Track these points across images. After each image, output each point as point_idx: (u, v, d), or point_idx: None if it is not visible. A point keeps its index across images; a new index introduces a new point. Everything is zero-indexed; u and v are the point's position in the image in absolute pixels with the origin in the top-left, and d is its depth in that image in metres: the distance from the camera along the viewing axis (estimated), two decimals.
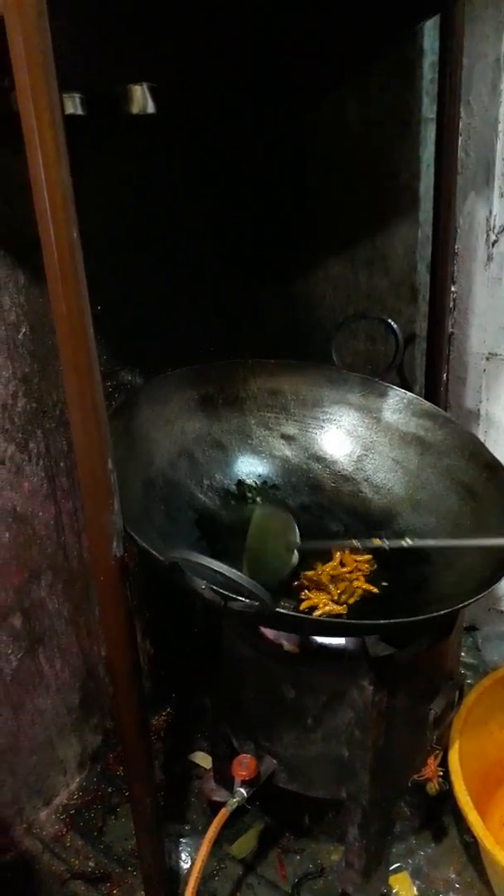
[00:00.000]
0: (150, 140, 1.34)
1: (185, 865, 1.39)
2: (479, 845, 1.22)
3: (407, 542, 1.12)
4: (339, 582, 1.20)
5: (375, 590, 1.21)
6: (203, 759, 1.60)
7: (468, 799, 1.22)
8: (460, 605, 1.00)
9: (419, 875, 1.36)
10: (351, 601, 1.18)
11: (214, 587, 0.92)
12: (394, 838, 1.42)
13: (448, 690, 1.19)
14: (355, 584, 1.20)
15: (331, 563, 1.25)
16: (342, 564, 1.25)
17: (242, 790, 1.16)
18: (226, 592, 0.91)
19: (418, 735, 1.17)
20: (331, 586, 1.20)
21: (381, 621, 0.96)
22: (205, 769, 1.57)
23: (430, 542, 1.22)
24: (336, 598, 1.18)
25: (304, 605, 1.16)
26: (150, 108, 1.18)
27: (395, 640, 1.07)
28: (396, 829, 1.44)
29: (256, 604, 0.87)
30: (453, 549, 1.22)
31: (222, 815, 1.15)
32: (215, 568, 0.82)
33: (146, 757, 1.13)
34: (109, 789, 1.58)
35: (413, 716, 1.15)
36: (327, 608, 1.14)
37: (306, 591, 1.20)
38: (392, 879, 1.35)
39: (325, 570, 1.22)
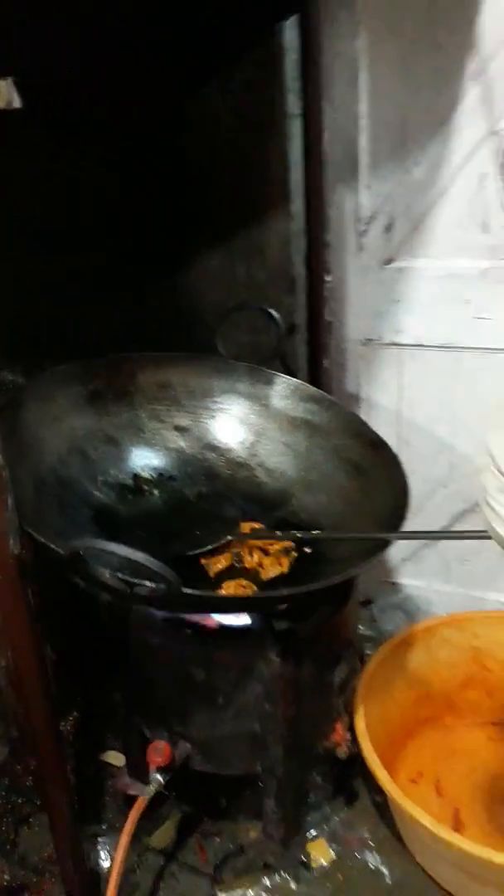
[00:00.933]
0: (24, 133, 1.31)
1: (106, 864, 1.38)
2: (389, 799, 1.29)
3: (296, 534, 1.18)
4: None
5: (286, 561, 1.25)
6: (115, 758, 1.58)
7: (376, 757, 1.28)
8: (349, 573, 1.05)
9: (335, 838, 1.42)
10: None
11: (119, 575, 0.93)
12: (309, 807, 1.47)
13: (349, 658, 1.25)
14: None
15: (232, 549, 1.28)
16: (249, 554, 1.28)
17: (159, 777, 1.17)
18: (131, 579, 0.92)
19: (325, 702, 1.22)
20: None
21: (282, 592, 1.00)
22: (117, 767, 1.56)
23: (318, 534, 1.27)
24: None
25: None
26: (17, 103, 1.16)
27: (298, 613, 1.12)
28: (311, 798, 1.49)
29: (163, 586, 0.89)
30: (346, 526, 1.28)
31: (139, 805, 1.15)
32: (120, 553, 0.83)
33: (59, 759, 1.12)
34: (20, 800, 1.53)
35: (319, 684, 1.20)
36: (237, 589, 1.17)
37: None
38: (310, 846, 1.40)
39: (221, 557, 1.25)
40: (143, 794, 1.15)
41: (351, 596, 1.24)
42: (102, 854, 1.40)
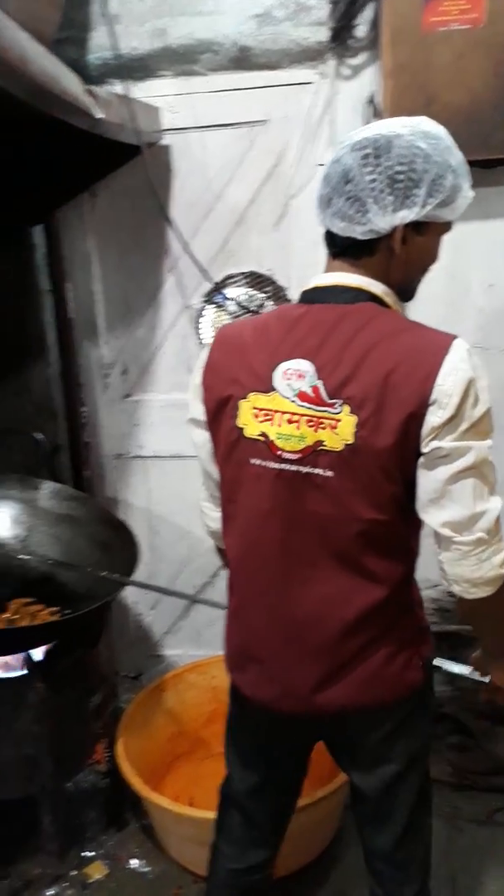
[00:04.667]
0: None
1: None
2: (143, 802, 1.63)
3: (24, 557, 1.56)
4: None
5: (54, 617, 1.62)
6: None
7: (131, 769, 1.63)
8: (95, 605, 1.47)
9: (109, 857, 1.72)
10: None
11: None
12: (86, 840, 1.75)
13: (104, 688, 1.62)
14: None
15: (5, 615, 1.63)
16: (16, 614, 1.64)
17: None
18: None
19: (85, 723, 1.57)
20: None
21: (42, 622, 1.38)
22: None
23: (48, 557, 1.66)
24: None
25: None
26: None
27: (57, 653, 1.49)
28: (87, 833, 1.77)
29: None
30: (93, 587, 1.69)
31: None
32: None
33: None
34: None
35: (78, 709, 1.55)
36: None
37: None
38: (88, 869, 1.68)
39: (2, 618, 1.60)
40: None
41: (100, 639, 1.63)
42: None
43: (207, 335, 2.00)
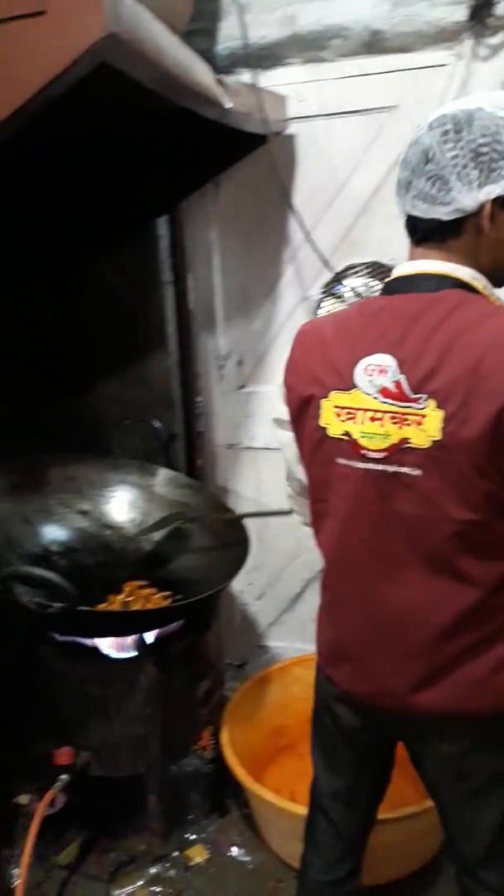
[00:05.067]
0: None
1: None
2: (246, 793, 1.64)
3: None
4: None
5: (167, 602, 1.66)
6: (25, 798, 1.84)
7: (235, 759, 1.64)
8: (210, 592, 1.48)
9: (210, 843, 1.74)
10: None
11: (37, 600, 1.31)
12: (189, 822, 1.78)
13: (211, 675, 1.64)
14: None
15: (120, 596, 1.68)
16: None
17: (64, 776, 1.49)
18: (44, 601, 1.31)
19: (192, 711, 1.59)
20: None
21: (157, 607, 1.41)
22: (25, 805, 1.82)
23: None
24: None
25: None
26: None
27: (169, 638, 1.52)
28: (191, 816, 1.81)
29: (68, 604, 1.28)
30: (209, 576, 1.71)
31: (46, 799, 1.46)
32: (38, 573, 1.22)
33: None
34: None
35: (186, 694, 1.58)
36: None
37: None
38: (190, 851, 1.72)
39: (117, 600, 1.65)
40: (51, 789, 1.46)
41: (210, 627, 1.64)
42: (15, 873, 1.66)
43: None
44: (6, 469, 1.81)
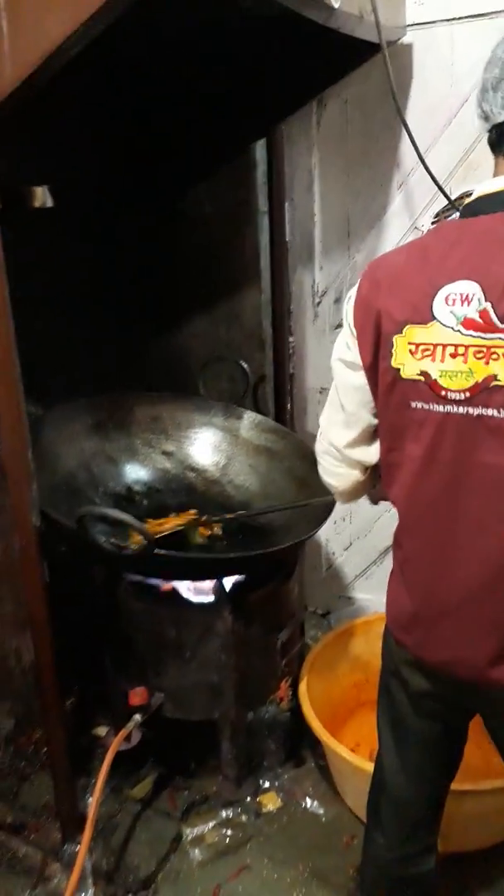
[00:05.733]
0: (51, 225, 1.73)
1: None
2: (322, 747, 1.59)
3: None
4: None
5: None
6: (102, 731, 1.88)
7: (312, 713, 1.59)
8: (296, 540, 1.41)
9: (283, 791, 1.72)
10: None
11: (113, 541, 1.28)
12: (263, 769, 1.76)
13: (292, 625, 1.58)
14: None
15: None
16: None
17: (137, 716, 1.48)
18: (120, 542, 1.27)
19: (270, 659, 1.55)
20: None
21: (237, 554, 1.35)
22: (103, 738, 1.86)
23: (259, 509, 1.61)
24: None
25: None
26: (50, 203, 1.58)
27: (248, 582, 1.46)
28: (265, 763, 1.78)
29: (143, 546, 1.24)
30: (292, 524, 1.63)
31: (121, 735, 1.46)
32: (113, 514, 1.18)
33: (63, 728, 1.46)
34: (22, 763, 1.83)
35: (265, 643, 1.53)
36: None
37: None
38: (262, 798, 1.70)
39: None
40: (126, 727, 1.45)
41: (294, 573, 1.58)
42: (90, 802, 1.69)
43: None
44: (93, 406, 1.78)
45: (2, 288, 1.15)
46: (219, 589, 1.45)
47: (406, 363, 0.90)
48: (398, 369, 0.91)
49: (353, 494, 1.14)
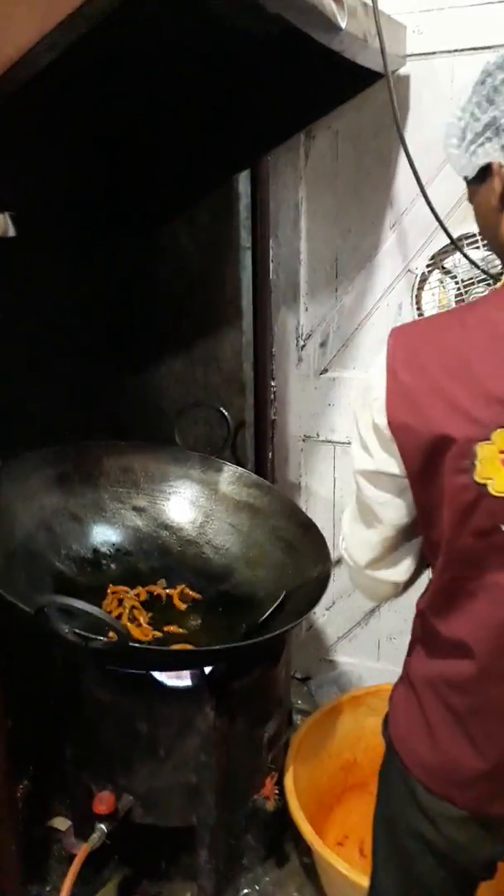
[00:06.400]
0: (12, 259, 1.55)
1: None
2: (313, 853, 1.41)
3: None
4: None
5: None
6: (62, 823, 1.66)
7: (301, 813, 1.41)
8: (285, 629, 1.23)
9: None
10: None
11: (77, 631, 1.09)
12: (242, 868, 1.57)
13: (279, 715, 1.40)
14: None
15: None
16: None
17: (102, 826, 1.28)
18: (87, 634, 1.08)
19: (255, 756, 1.36)
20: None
21: (223, 646, 1.17)
22: (62, 832, 1.64)
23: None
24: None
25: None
26: (11, 232, 1.41)
27: (232, 670, 1.28)
28: (244, 861, 1.59)
29: (115, 641, 1.05)
30: (275, 590, 1.46)
31: (83, 852, 1.26)
32: (79, 606, 0.99)
33: (12, 825, 1.23)
34: None
35: (250, 738, 1.34)
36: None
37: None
38: None
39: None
40: (88, 840, 1.25)
41: (281, 656, 1.40)
42: None
43: (429, 306, 1.67)
44: (56, 455, 1.59)
45: None
46: (199, 679, 1.27)
47: (496, 476, 0.73)
48: (484, 485, 0.74)
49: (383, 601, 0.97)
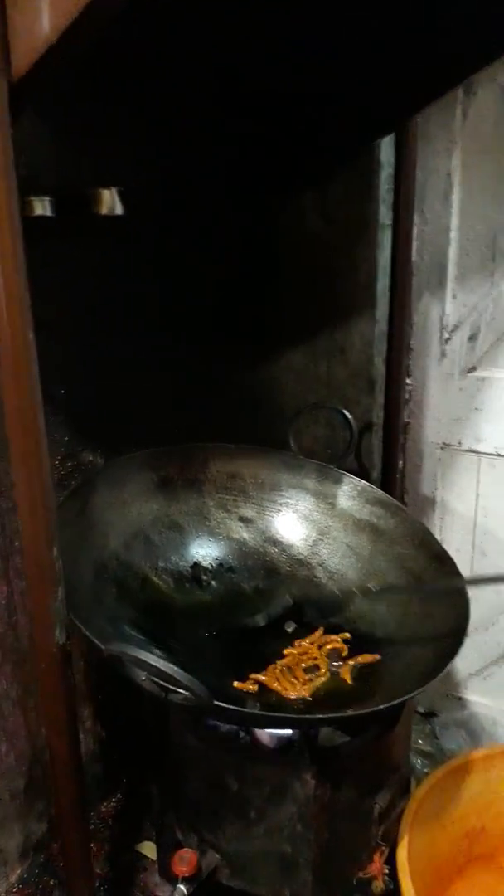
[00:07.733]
0: (119, 236, 1.41)
1: None
2: None
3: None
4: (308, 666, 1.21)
5: (349, 680, 1.20)
6: (150, 850, 1.54)
7: (412, 889, 1.19)
8: (404, 698, 1.01)
9: None
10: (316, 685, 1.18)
11: (154, 679, 0.92)
12: None
13: (394, 784, 1.18)
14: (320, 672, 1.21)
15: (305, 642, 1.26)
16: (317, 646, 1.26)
17: (183, 888, 1.13)
18: (165, 685, 0.92)
19: (363, 830, 1.15)
20: (298, 670, 1.21)
21: (323, 716, 0.97)
22: (151, 860, 1.52)
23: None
24: (300, 683, 1.18)
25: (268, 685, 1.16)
26: (119, 210, 1.25)
27: (339, 731, 1.08)
28: None
29: (195, 700, 0.88)
30: (402, 640, 1.24)
31: None
32: (152, 662, 0.83)
33: (83, 849, 1.11)
34: (52, 881, 1.52)
35: (357, 810, 1.14)
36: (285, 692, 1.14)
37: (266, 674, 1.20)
38: None
39: (295, 652, 1.23)
40: None
41: (401, 717, 1.18)
42: None
43: None
44: (159, 460, 1.44)
45: (24, 328, 0.80)
46: (300, 738, 1.07)
47: None
48: None
49: None
